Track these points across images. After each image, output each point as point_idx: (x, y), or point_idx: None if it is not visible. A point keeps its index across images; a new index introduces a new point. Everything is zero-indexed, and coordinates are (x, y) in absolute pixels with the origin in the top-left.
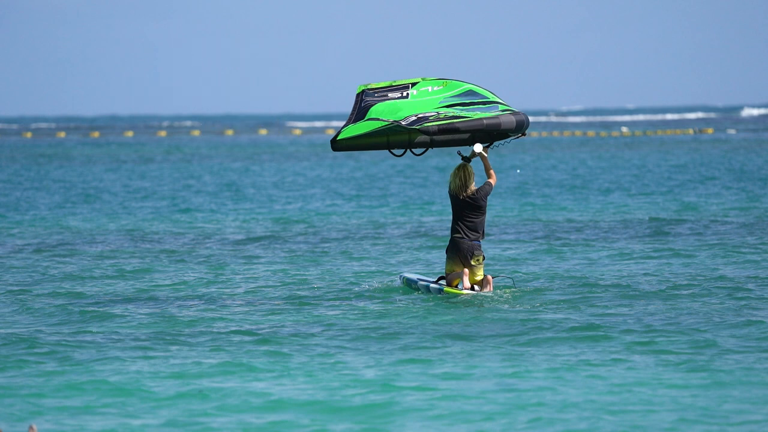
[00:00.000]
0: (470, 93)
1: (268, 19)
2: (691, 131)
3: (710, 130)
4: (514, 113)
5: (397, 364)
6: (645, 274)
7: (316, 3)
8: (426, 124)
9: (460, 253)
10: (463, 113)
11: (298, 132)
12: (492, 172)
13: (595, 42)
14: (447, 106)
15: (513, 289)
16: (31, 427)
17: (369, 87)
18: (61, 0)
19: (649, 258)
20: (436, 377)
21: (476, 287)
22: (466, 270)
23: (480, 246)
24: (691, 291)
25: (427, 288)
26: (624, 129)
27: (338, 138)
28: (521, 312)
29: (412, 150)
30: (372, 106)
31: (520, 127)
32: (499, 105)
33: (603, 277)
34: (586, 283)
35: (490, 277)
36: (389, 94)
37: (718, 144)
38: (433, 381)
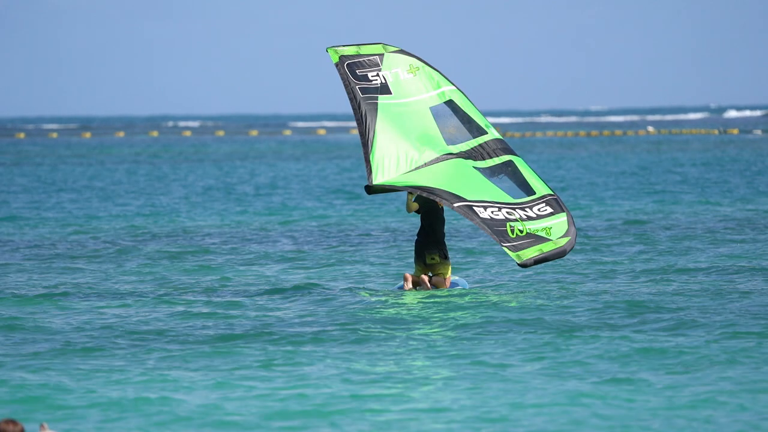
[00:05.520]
0: (451, 104)
1: (268, 19)
2: (716, 131)
3: (736, 131)
4: (574, 237)
5: (395, 364)
6: (640, 276)
7: (316, 3)
8: (482, 215)
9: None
10: (536, 231)
11: (296, 132)
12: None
13: (614, 44)
14: (514, 219)
15: (498, 290)
16: (42, 426)
17: (342, 53)
18: (61, 0)
19: (648, 258)
20: (432, 378)
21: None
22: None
23: (437, 247)
24: (686, 290)
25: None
26: (650, 128)
27: (373, 184)
28: (513, 311)
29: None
30: (376, 129)
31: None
32: (488, 128)
33: (589, 278)
34: (573, 284)
35: (448, 277)
36: (377, 95)
37: (743, 144)
38: (427, 382)
